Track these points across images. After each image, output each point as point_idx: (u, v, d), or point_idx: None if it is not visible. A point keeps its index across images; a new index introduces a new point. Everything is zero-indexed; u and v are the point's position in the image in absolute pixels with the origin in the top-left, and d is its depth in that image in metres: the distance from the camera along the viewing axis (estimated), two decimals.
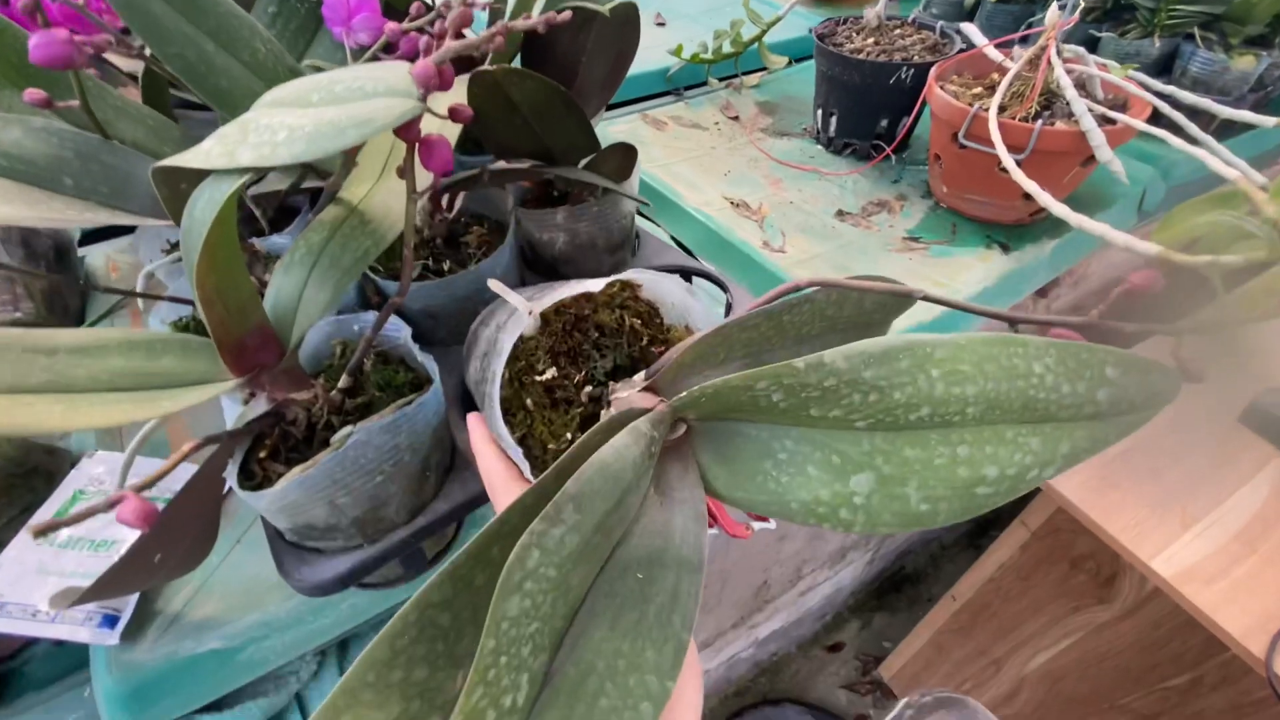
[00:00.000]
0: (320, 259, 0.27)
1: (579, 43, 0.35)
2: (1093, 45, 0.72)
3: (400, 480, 0.30)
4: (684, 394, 0.21)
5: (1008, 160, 0.48)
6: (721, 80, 0.82)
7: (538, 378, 0.27)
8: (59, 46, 0.26)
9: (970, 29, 0.60)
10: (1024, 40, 0.60)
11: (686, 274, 0.48)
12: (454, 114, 0.25)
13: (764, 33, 0.75)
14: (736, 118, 0.75)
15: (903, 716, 0.44)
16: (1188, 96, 0.61)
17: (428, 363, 0.31)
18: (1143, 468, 0.58)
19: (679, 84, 0.82)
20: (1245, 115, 0.59)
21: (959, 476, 0.18)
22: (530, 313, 0.27)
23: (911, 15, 0.68)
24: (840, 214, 0.60)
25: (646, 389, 0.24)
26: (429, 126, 0.26)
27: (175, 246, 0.43)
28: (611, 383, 0.27)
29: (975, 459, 0.18)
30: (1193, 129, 0.54)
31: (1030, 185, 0.47)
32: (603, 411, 0.25)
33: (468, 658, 0.16)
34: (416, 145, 0.24)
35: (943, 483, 0.18)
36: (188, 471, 0.27)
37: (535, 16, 0.32)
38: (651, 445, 0.20)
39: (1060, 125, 0.52)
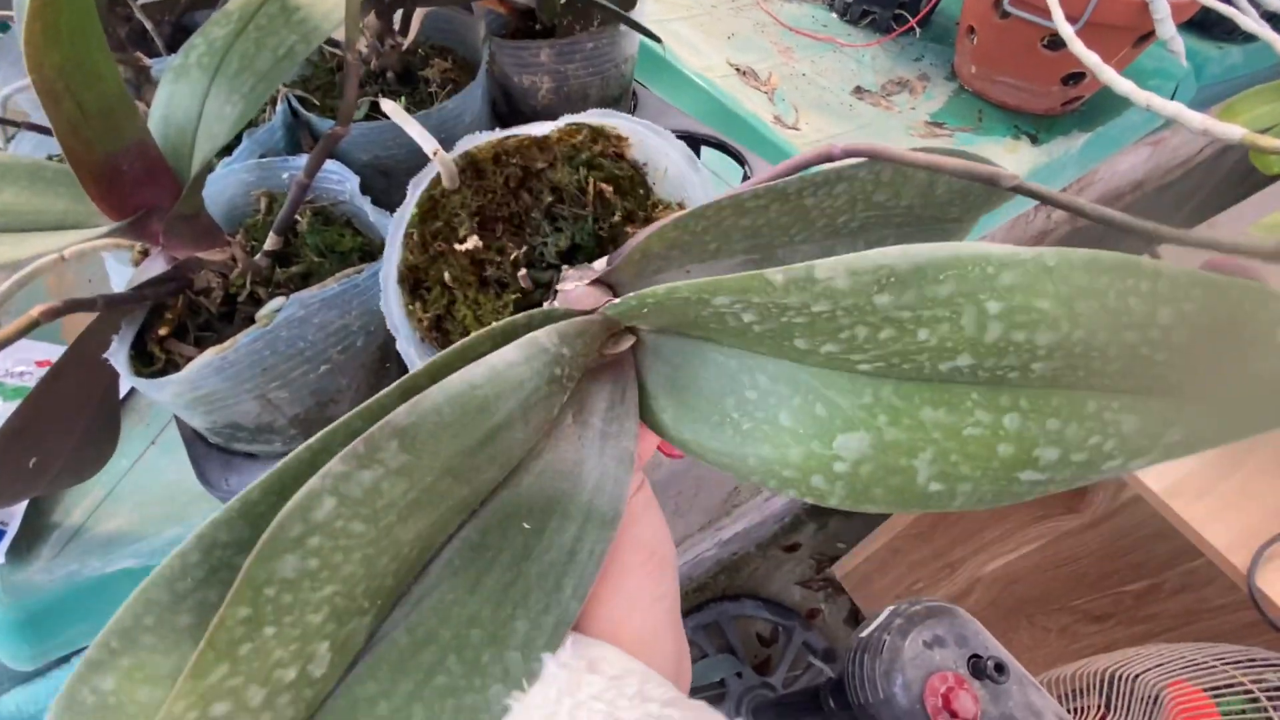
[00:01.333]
0: (227, 59, 0.19)
1: None
2: None
3: (352, 371, 0.24)
4: (627, 297, 0.16)
5: (1064, 28, 0.42)
6: None
7: (457, 245, 0.21)
8: None
9: None
10: None
11: (694, 142, 0.40)
12: None
13: None
14: None
15: (891, 624, 0.43)
16: None
17: (381, 222, 0.24)
18: None
19: None
20: None
21: (998, 455, 0.13)
22: (435, 154, 0.21)
23: None
24: (858, 91, 0.53)
25: (600, 281, 0.19)
26: None
27: None
28: (565, 267, 0.22)
29: (1028, 435, 0.13)
30: (1252, 13, 0.49)
31: (1091, 57, 0.40)
32: (546, 303, 0.20)
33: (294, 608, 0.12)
34: None
35: (970, 460, 0.13)
36: None
37: None
38: (557, 366, 0.16)
39: None
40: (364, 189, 0.27)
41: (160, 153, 0.18)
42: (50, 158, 0.30)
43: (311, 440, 0.13)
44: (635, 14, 0.33)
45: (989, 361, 0.13)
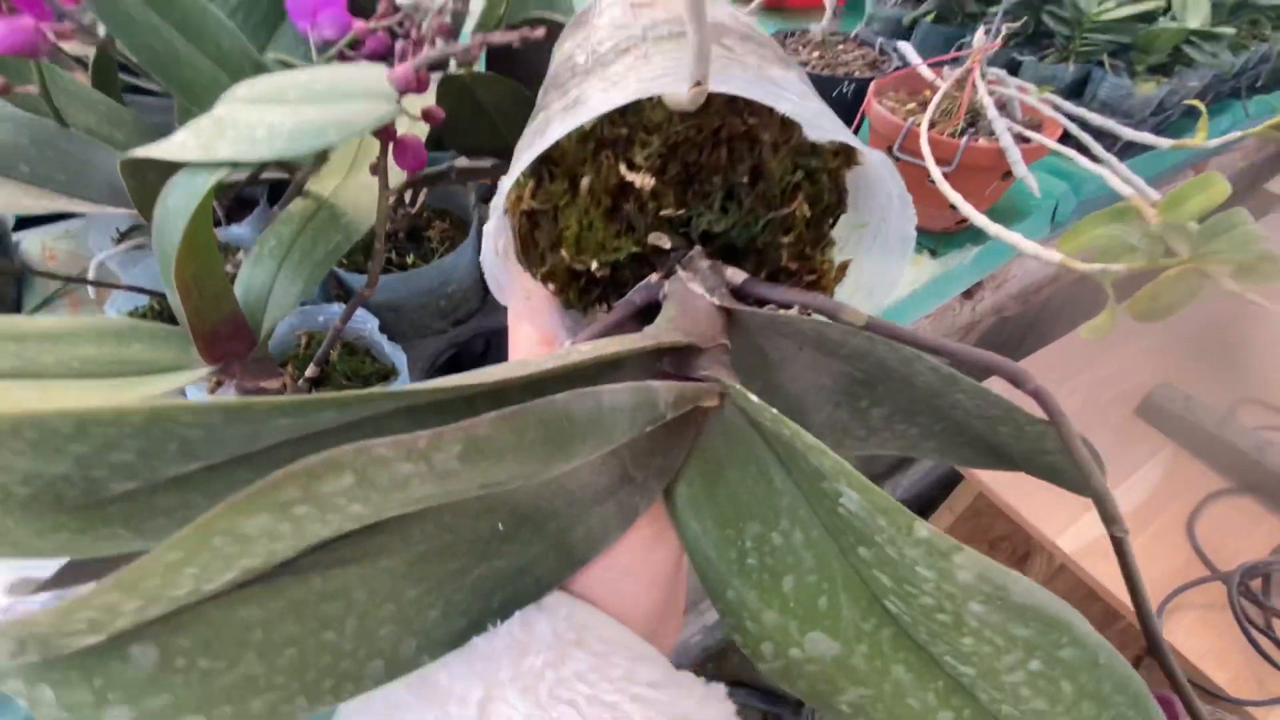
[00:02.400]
0: (291, 252, 0.28)
1: (544, 45, 0.37)
2: (1015, 68, 0.79)
3: None
4: (750, 397, 0.14)
5: (936, 173, 0.53)
6: None
7: (624, 169, 0.17)
8: (26, 35, 0.26)
9: (906, 48, 0.64)
10: (954, 61, 0.65)
11: None
12: (427, 116, 0.27)
13: None
14: None
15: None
16: (1095, 118, 0.67)
17: (394, 353, 0.33)
18: None
19: None
20: (1144, 137, 0.66)
21: None
22: (699, 84, 0.15)
23: (854, 31, 0.73)
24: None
25: (723, 308, 0.17)
26: (402, 126, 0.28)
27: (126, 235, 0.43)
28: (699, 250, 0.18)
29: None
30: (1097, 149, 0.60)
31: (955, 196, 0.51)
32: (654, 278, 0.17)
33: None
34: (390, 144, 0.26)
35: (890, 717, 0.14)
36: None
37: (502, 20, 0.33)
38: (652, 425, 0.14)
39: (983, 142, 0.56)
40: (375, 318, 0.35)
41: (244, 317, 0.27)
42: (137, 308, 0.39)
43: (352, 395, 0.11)
44: None
45: (984, 683, 0.13)
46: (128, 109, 0.37)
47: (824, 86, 0.65)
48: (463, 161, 0.39)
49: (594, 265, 0.18)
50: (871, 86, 0.62)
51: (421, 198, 0.41)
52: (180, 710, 0.10)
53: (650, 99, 0.17)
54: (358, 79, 0.23)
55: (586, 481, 0.15)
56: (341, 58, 0.39)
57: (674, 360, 0.16)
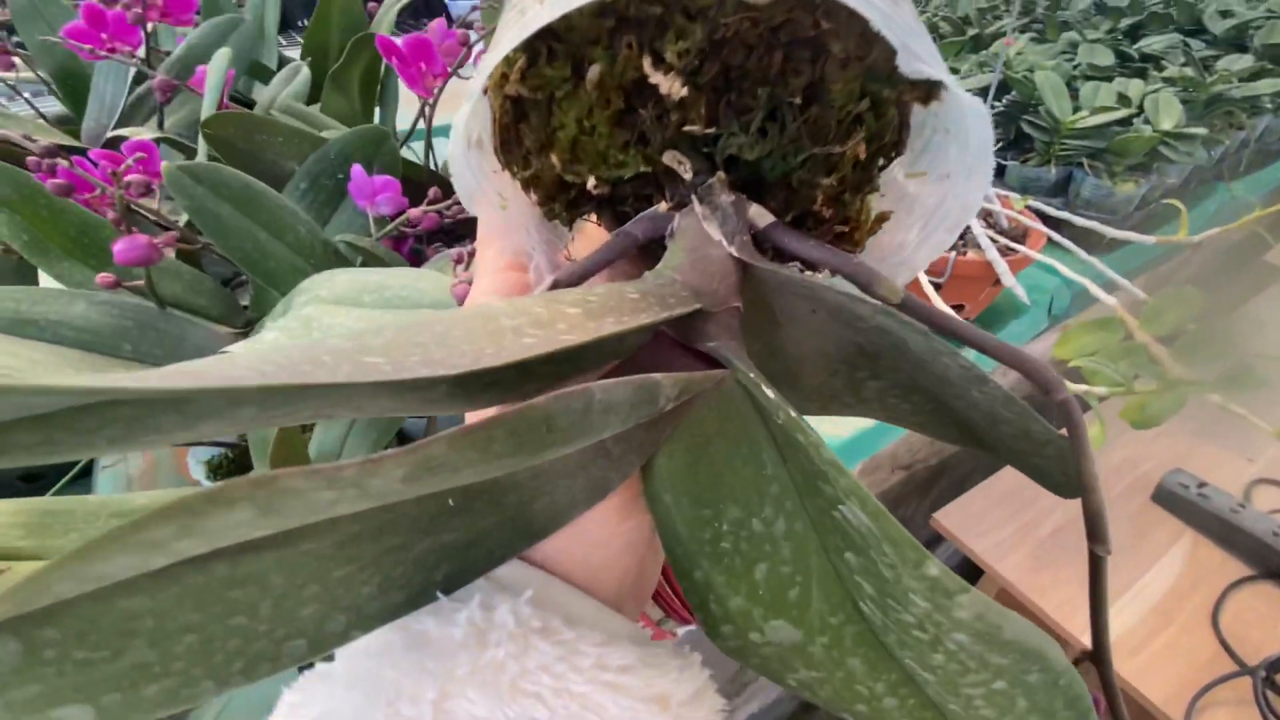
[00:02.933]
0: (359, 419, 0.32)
1: None
2: (1001, 172, 0.84)
3: None
4: (767, 392, 0.13)
5: (928, 287, 0.57)
6: None
7: (648, 64, 0.14)
8: (141, 250, 0.31)
9: None
10: None
11: None
12: None
13: None
14: None
15: None
16: (1079, 220, 0.72)
17: None
18: (1070, 547, 0.64)
19: None
20: (1128, 235, 0.70)
21: (854, 707, 0.14)
22: None
23: None
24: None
25: (738, 259, 0.14)
26: None
27: None
28: (720, 178, 0.15)
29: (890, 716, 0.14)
30: (1080, 254, 0.65)
31: (947, 310, 0.55)
32: (662, 207, 0.15)
33: None
34: None
35: (836, 695, 0.14)
36: None
37: None
38: (650, 415, 0.13)
39: (972, 254, 0.61)
40: None
41: None
42: (213, 457, 0.43)
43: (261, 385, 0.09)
44: None
45: (940, 686, 0.13)
46: (208, 276, 0.43)
47: None
48: None
49: (590, 182, 0.15)
50: None
51: None
52: (55, 700, 0.09)
53: None
54: (424, 289, 0.28)
55: (555, 455, 0.13)
56: (398, 240, 0.44)
57: (677, 324, 0.14)
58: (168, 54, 0.62)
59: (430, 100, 0.42)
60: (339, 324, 0.27)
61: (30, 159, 0.35)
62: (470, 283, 0.20)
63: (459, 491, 0.12)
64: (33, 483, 0.53)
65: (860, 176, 0.15)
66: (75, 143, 0.60)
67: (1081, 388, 0.43)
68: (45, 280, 0.38)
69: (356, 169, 0.40)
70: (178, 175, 0.31)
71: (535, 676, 0.13)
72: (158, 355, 0.35)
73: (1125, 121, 0.78)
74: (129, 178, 0.32)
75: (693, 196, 0.15)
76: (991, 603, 0.12)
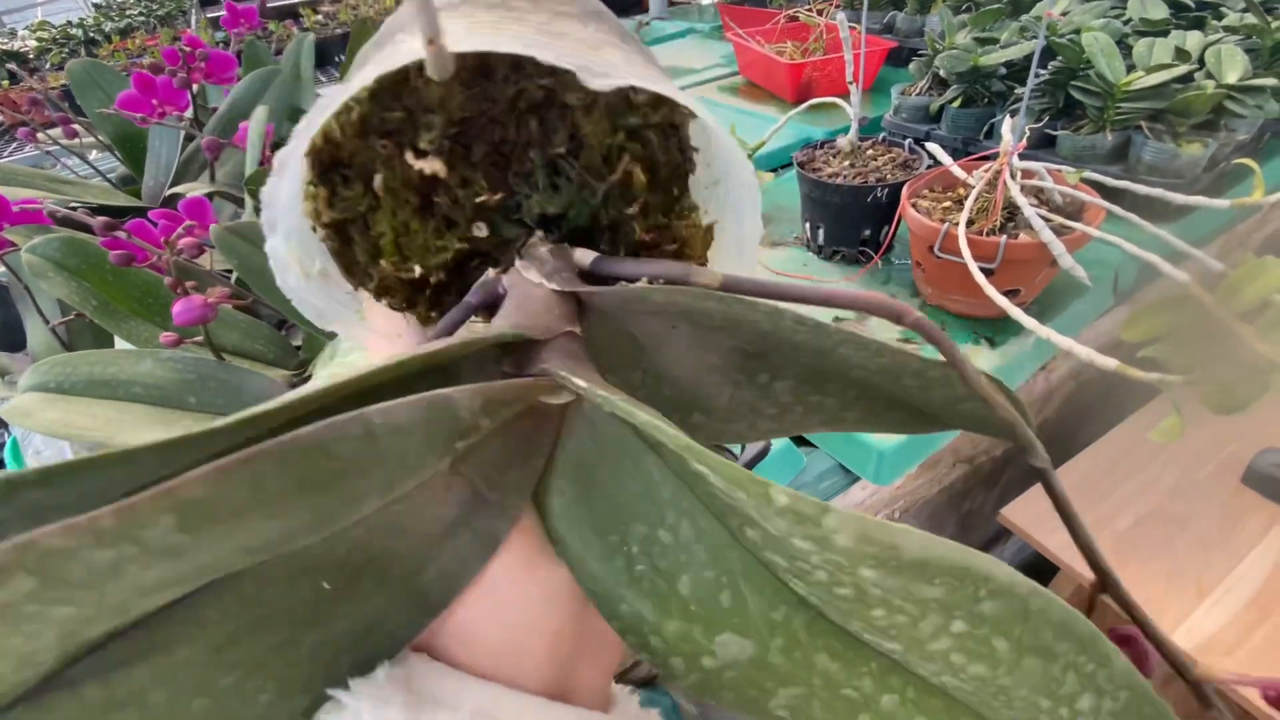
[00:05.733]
0: None
1: None
2: (1051, 142, 0.80)
3: None
4: (577, 381, 0.12)
5: (977, 275, 0.54)
6: None
7: (411, 156, 0.15)
8: (199, 310, 0.33)
9: (935, 149, 0.67)
10: (986, 158, 0.67)
11: None
12: None
13: (750, 156, 0.84)
14: None
15: None
16: (1141, 189, 0.67)
17: None
18: (1154, 538, 0.61)
19: None
20: (1198, 201, 0.65)
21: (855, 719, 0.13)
22: (430, 37, 0.12)
23: (880, 135, 0.76)
24: (837, 320, 0.66)
25: (569, 293, 0.15)
26: None
27: None
28: (540, 235, 0.16)
29: (894, 718, 0.13)
30: (1145, 226, 0.60)
31: (999, 298, 0.52)
32: (490, 274, 0.16)
33: None
34: None
35: (829, 713, 0.13)
36: None
37: None
38: (462, 439, 0.12)
39: (1024, 237, 0.58)
40: None
41: None
42: None
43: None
44: None
45: (913, 657, 0.12)
46: (263, 323, 0.45)
47: (857, 196, 0.68)
48: None
49: (419, 271, 0.16)
50: (905, 190, 0.64)
51: None
52: None
53: (421, 73, 0.14)
54: None
55: (427, 514, 0.13)
56: None
57: (514, 360, 0.14)
58: (215, 110, 0.65)
59: None
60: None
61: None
62: None
63: (332, 570, 0.11)
64: None
65: (664, 199, 0.17)
66: (138, 202, 0.64)
67: (1154, 376, 0.41)
68: (119, 342, 0.41)
69: None
70: (224, 236, 0.33)
71: None
72: (219, 405, 0.37)
73: (1185, 78, 0.73)
74: (181, 243, 0.34)
75: (516, 256, 0.16)
76: (866, 517, 0.10)
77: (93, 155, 0.80)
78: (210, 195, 0.52)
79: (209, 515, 0.09)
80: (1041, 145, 0.81)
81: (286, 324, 0.53)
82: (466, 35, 0.13)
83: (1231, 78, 0.72)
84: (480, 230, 0.16)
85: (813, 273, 0.73)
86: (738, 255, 0.18)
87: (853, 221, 0.71)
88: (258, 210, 0.44)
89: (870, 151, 0.74)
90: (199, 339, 0.36)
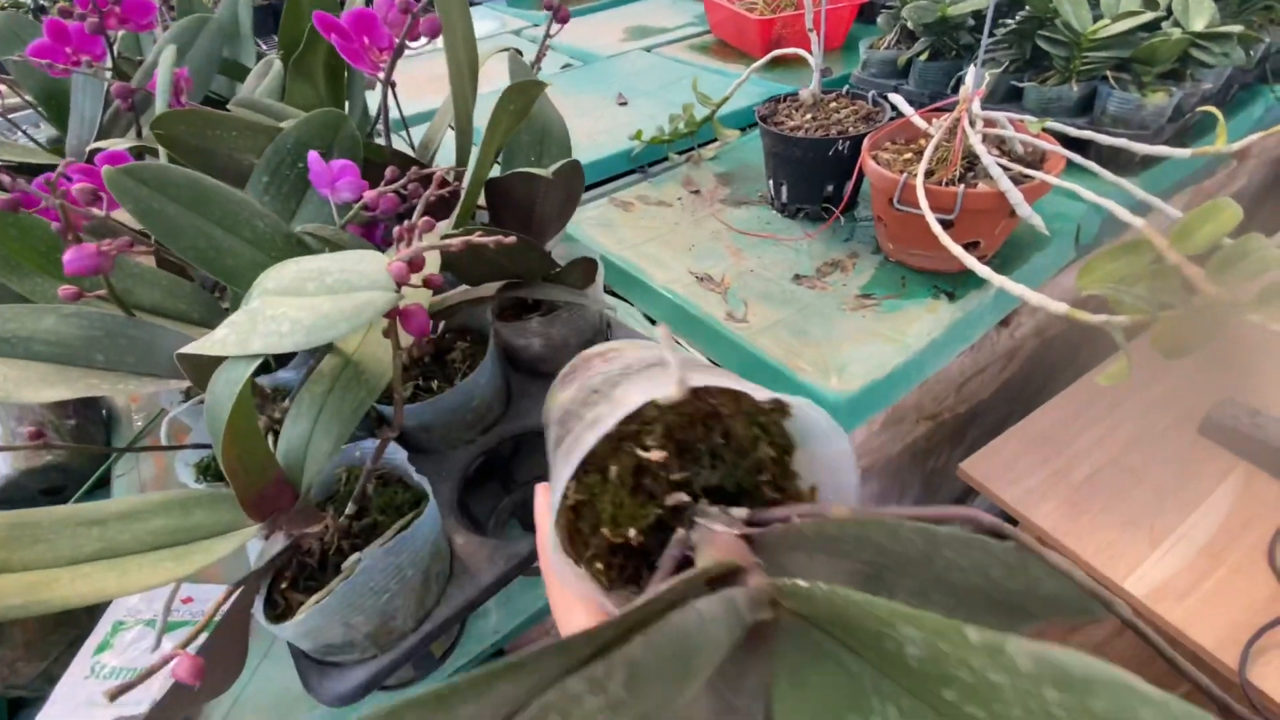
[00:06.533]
0: (323, 410, 0.31)
1: (533, 188, 0.40)
2: (1018, 95, 0.78)
3: (406, 594, 0.34)
4: (799, 582, 0.16)
5: (935, 225, 0.53)
6: (681, 154, 0.88)
7: (640, 451, 0.22)
8: (90, 259, 0.31)
9: (897, 99, 0.65)
10: (947, 108, 0.65)
11: None
12: (428, 283, 0.30)
13: (713, 113, 0.82)
14: (698, 191, 0.80)
15: None
16: (1104, 139, 0.66)
17: (423, 482, 0.35)
18: (1110, 488, 0.61)
19: (643, 161, 0.88)
20: (1159, 150, 0.64)
21: None
22: (680, 384, 0.20)
23: (845, 86, 0.74)
24: (797, 278, 0.65)
25: (742, 537, 0.20)
26: (408, 295, 0.31)
27: (189, 393, 0.48)
28: (704, 501, 0.22)
29: None
30: (1104, 174, 0.59)
31: (955, 248, 0.51)
32: (680, 533, 0.21)
33: None
34: (397, 316, 0.29)
35: None
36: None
37: (488, 173, 0.37)
38: (738, 627, 0.16)
39: (983, 186, 0.57)
40: (410, 437, 0.38)
41: (286, 477, 0.30)
42: (202, 459, 0.44)
43: (469, 678, 0.12)
44: (599, 277, 0.46)
45: None
46: (187, 280, 0.43)
47: (818, 149, 0.66)
48: (474, 292, 0.43)
49: (631, 533, 0.22)
50: (865, 142, 0.63)
51: (441, 326, 0.44)
52: None
53: (649, 403, 0.22)
54: (362, 271, 0.26)
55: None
56: (370, 225, 0.43)
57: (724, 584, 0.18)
58: (141, 62, 0.62)
59: (383, 77, 0.40)
60: (282, 314, 0.26)
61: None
62: (409, 261, 0.26)
63: None
64: (54, 495, 0.55)
65: (783, 470, 0.24)
66: (60, 160, 0.60)
67: (1101, 318, 0.40)
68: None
69: (313, 156, 0.39)
70: (116, 177, 0.30)
71: None
72: (130, 362, 0.35)
73: (1152, 25, 0.71)
74: (73, 188, 0.31)
75: (694, 518, 0.21)
76: (1026, 641, 0.12)
77: (19, 117, 0.76)
78: (136, 151, 0.49)
79: (638, 676, 0.12)
80: (1009, 98, 0.80)
81: (219, 286, 0.50)
82: (696, 378, 0.20)
83: (1199, 25, 0.70)
84: (678, 498, 0.22)
85: (776, 230, 0.72)
86: (837, 495, 0.24)
87: (815, 177, 0.69)
88: (172, 159, 0.42)
89: (834, 104, 0.72)
90: (101, 292, 0.34)
